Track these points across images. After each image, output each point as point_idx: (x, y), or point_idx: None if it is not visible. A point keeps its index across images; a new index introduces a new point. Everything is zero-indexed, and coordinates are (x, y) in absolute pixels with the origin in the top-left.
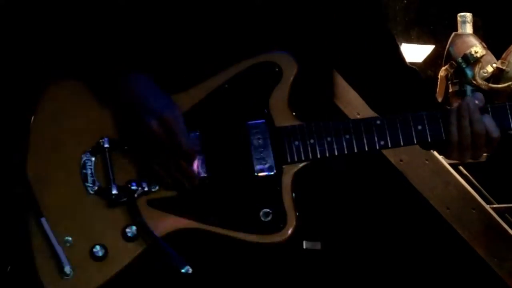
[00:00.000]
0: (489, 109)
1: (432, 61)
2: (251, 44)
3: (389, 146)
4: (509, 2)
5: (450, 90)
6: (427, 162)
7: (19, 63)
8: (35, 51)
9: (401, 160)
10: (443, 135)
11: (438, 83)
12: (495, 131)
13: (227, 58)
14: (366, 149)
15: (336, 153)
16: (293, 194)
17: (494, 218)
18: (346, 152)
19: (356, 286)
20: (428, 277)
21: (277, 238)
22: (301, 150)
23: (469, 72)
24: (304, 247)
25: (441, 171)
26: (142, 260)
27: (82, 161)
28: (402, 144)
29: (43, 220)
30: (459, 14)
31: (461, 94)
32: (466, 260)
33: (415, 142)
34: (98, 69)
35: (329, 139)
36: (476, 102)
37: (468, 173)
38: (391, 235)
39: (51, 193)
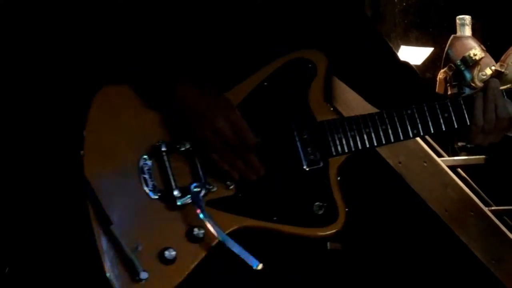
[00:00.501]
0: (504, 93)
1: (431, 64)
2: (280, 40)
3: (421, 133)
4: (508, 4)
5: (449, 92)
6: (425, 164)
7: (72, 67)
8: (89, 56)
9: (399, 162)
10: (467, 120)
11: (437, 85)
12: None
13: (255, 58)
14: (402, 138)
15: (375, 144)
16: (340, 187)
17: (492, 220)
18: (384, 142)
19: (354, 286)
20: (426, 279)
21: (331, 229)
22: (344, 142)
23: (467, 75)
24: (328, 247)
25: (439, 173)
26: (210, 261)
27: (140, 166)
28: (432, 131)
29: (113, 227)
30: (458, 17)
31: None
32: (464, 262)
33: (444, 128)
34: (154, 76)
35: (367, 130)
36: (499, 87)
37: (467, 175)
38: (389, 237)
39: (113, 199)
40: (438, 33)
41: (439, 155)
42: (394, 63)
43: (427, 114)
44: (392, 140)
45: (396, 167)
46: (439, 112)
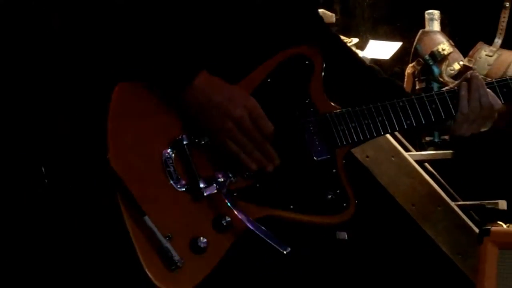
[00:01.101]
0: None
1: (399, 58)
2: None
3: (414, 124)
4: (476, 0)
5: (417, 87)
6: (393, 158)
7: (88, 64)
8: (105, 53)
9: (367, 157)
10: (453, 110)
11: (405, 80)
12: (497, 104)
13: (254, 55)
14: (397, 128)
15: (375, 134)
16: (346, 175)
17: (459, 215)
18: (382, 132)
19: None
20: (393, 273)
21: (344, 217)
22: (347, 133)
23: (436, 70)
24: (337, 237)
25: (407, 168)
26: (238, 249)
27: (163, 159)
28: (423, 122)
29: (147, 218)
30: (427, 12)
31: (427, 91)
32: (431, 257)
33: (433, 119)
34: (169, 74)
35: (366, 121)
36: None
37: (434, 170)
38: (355, 231)
39: (141, 192)
40: (406, 27)
41: (407, 150)
42: (352, 60)
43: (417, 105)
44: (389, 130)
45: (363, 161)
46: (427, 104)
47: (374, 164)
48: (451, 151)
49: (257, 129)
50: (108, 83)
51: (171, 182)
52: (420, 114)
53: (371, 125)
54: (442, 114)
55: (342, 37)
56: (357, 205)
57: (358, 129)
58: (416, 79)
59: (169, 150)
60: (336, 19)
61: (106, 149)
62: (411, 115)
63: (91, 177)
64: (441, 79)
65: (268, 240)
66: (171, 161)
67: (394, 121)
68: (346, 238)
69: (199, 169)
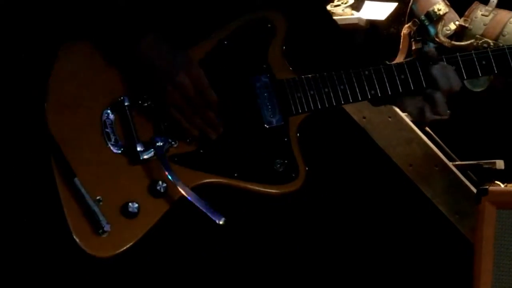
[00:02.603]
0: (444, 59)
1: (395, 19)
2: (237, 3)
3: (379, 94)
4: None
5: (413, 47)
6: (390, 119)
7: (33, 26)
8: (49, 14)
9: (363, 117)
10: (424, 82)
11: (401, 40)
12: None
13: (216, 19)
14: (360, 98)
15: (334, 103)
16: (299, 145)
17: (457, 175)
18: (343, 102)
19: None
20: (390, 234)
21: (291, 187)
22: (304, 101)
23: (432, 30)
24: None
25: (403, 129)
26: (172, 215)
27: (103, 120)
28: (389, 92)
29: (76, 180)
30: None
31: (422, 52)
32: (428, 217)
33: (401, 90)
34: (115, 33)
35: (326, 90)
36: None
37: (431, 130)
38: (353, 191)
39: (75, 153)
40: None
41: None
42: (330, 29)
43: (384, 75)
44: (351, 100)
45: (360, 122)
46: (395, 74)
47: (370, 125)
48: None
49: (199, 95)
50: (55, 41)
51: (109, 144)
52: (387, 84)
53: (331, 94)
54: (411, 85)
55: None
56: (307, 175)
57: (317, 97)
58: (412, 39)
59: (109, 111)
60: None
61: (43, 107)
62: (376, 84)
63: (26, 135)
64: (437, 39)
65: (202, 209)
66: (110, 122)
67: (357, 90)
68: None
69: (139, 132)
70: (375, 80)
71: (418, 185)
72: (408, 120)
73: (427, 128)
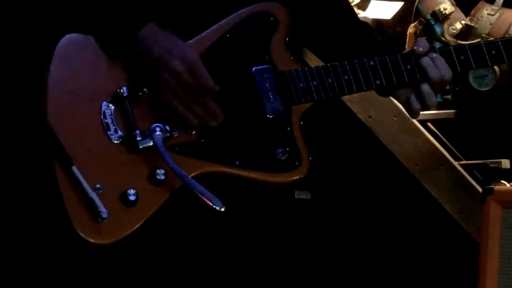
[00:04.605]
0: (438, 52)
1: (401, 18)
2: None
3: (384, 84)
4: None
5: None
6: (395, 118)
7: (30, 20)
8: (46, 8)
9: (369, 117)
10: (417, 74)
11: (407, 39)
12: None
13: (219, 12)
14: (364, 88)
15: (338, 93)
16: (303, 134)
17: (462, 174)
18: (347, 92)
19: (321, 236)
20: (396, 233)
21: (295, 175)
22: (306, 91)
23: (438, 29)
24: (296, 196)
25: (409, 128)
26: (173, 203)
27: (102, 111)
28: (395, 82)
29: (74, 168)
30: None
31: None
32: (434, 216)
33: (407, 80)
34: (117, 21)
35: (330, 80)
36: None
37: (436, 129)
38: (359, 190)
39: (75, 143)
40: None
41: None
42: (351, 20)
43: (389, 65)
44: (355, 90)
45: (366, 122)
46: (401, 64)
47: (376, 124)
48: (454, 111)
49: (195, 82)
50: (55, 34)
51: (108, 133)
52: (393, 74)
53: (335, 84)
54: (418, 75)
55: None
56: (312, 164)
57: (320, 87)
58: (418, 39)
59: (108, 101)
60: None
61: (43, 98)
62: (381, 74)
63: (27, 127)
64: (443, 38)
65: (202, 195)
66: (110, 113)
67: (362, 81)
68: (309, 197)
69: (138, 121)
70: (380, 71)
71: (424, 184)
72: (414, 120)
73: (432, 127)
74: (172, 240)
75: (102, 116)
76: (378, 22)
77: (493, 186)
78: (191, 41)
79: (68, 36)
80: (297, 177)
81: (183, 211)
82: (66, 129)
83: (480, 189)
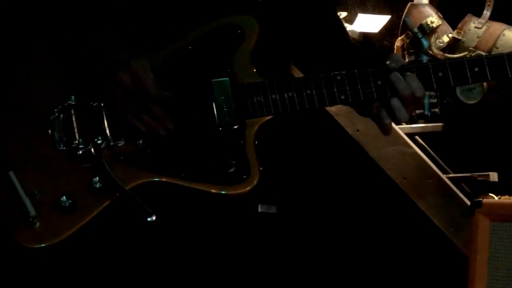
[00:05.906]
0: (414, 69)
1: (388, 31)
2: (212, 8)
3: (350, 100)
4: None
5: (407, 60)
6: None
7: None
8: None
9: (357, 130)
10: (388, 90)
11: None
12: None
13: (187, 23)
14: (328, 103)
15: (297, 108)
16: (256, 147)
17: (450, 187)
18: (307, 106)
19: (309, 252)
20: (383, 247)
21: (240, 189)
22: (263, 104)
23: (425, 42)
24: (259, 210)
25: (397, 141)
26: (109, 212)
27: (50, 119)
28: (362, 98)
29: (11, 173)
30: None
31: (417, 64)
32: (423, 230)
33: (375, 96)
34: (69, 33)
35: (290, 94)
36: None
37: (424, 143)
38: (346, 204)
39: (18, 148)
40: (395, 0)
41: (397, 123)
42: (348, 47)
43: (358, 80)
44: (317, 105)
45: (354, 135)
46: (371, 80)
47: (364, 137)
48: (441, 124)
49: (139, 90)
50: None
51: (54, 141)
52: (360, 90)
53: (295, 99)
54: (388, 92)
55: None
56: (262, 178)
57: (278, 101)
58: (406, 52)
59: (56, 110)
60: None
61: None
62: (348, 90)
63: None
64: (430, 51)
65: (135, 206)
66: (57, 121)
67: (325, 96)
68: (274, 211)
69: (82, 129)
70: (347, 86)
71: (412, 197)
72: (401, 133)
73: (420, 140)
74: (112, 246)
75: (48, 124)
76: (366, 36)
77: (481, 199)
78: (149, 52)
79: (20, 43)
80: (242, 191)
81: (122, 218)
82: (11, 136)
83: (468, 202)
